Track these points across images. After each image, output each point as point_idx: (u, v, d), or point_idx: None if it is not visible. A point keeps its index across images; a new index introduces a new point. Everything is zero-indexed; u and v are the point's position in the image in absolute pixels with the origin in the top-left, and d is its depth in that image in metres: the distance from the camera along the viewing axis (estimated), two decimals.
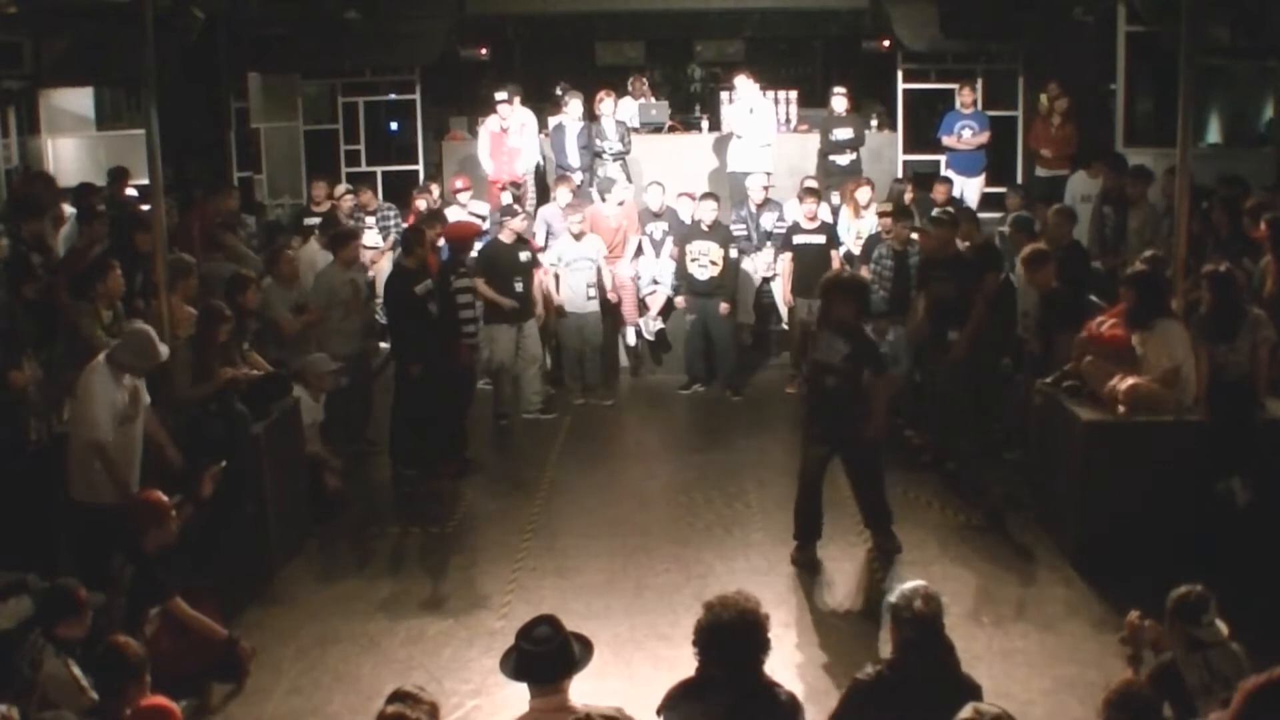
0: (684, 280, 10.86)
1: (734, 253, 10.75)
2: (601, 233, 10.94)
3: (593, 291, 10.58)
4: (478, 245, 10.00)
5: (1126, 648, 5.11)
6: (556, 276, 10.69)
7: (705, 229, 10.71)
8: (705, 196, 10.93)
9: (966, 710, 3.52)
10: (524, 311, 10.09)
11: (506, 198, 11.44)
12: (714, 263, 10.65)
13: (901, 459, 8.97)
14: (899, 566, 7.13)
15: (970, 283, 8.45)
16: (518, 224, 10.10)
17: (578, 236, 10.53)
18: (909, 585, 4.17)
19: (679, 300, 11.00)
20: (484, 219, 11.31)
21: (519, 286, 9.95)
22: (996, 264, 9.06)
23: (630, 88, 13.82)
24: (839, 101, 12.47)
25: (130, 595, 5.58)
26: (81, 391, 6.23)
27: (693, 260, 10.71)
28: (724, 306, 10.66)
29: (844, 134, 12.36)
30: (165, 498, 5.87)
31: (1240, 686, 3.27)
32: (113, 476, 6.17)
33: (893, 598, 4.15)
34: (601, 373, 10.93)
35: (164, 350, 6.41)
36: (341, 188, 12.34)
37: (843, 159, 12.35)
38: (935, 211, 11.43)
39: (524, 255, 10.06)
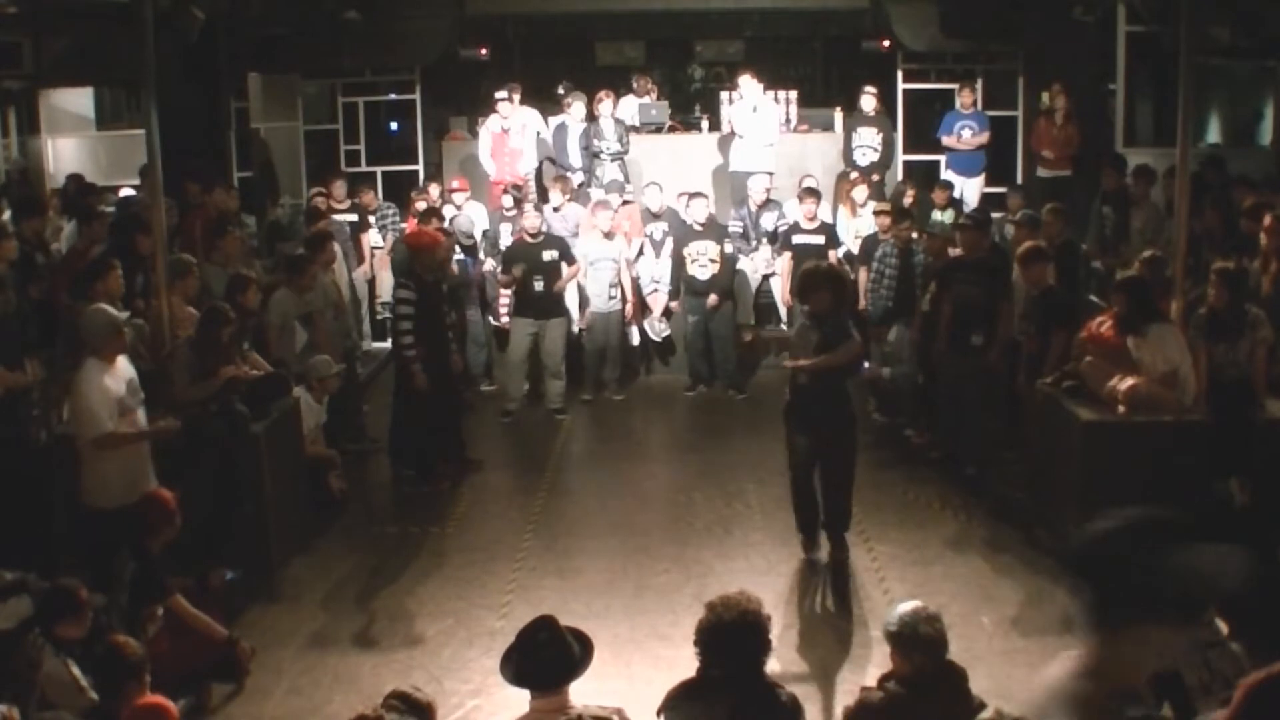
0: (683, 282, 10.84)
1: (729, 248, 10.76)
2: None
3: (615, 291, 10.61)
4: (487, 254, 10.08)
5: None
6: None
7: (699, 228, 10.71)
8: (694, 196, 10.92)
9: (988, 711, 3.50)
10: (547, 309, 10.10)
11: (508, 200, 11.43)
12: (713, 260, 10.65)
13: (902, 459, 8.99)
14: (900, 567, 7.14)
15: (996, 286, 8.47)
16: (530, 222, 10.09)
17: (607, 235, 10.52)
18: (906, 609, 4.07)
19: (673, 304, 10.99)
20: (449, 221, 11.16)
21: (539, 285, 9.95)
22: (1008, 267, 9.11)
23: (635, 85, 13.83)
24: (868, 101, 12.51)
25: (131, 593, 5.58)
26: (74, 391, 6.21)
27: (693, 261, 10.70)
28: (712, 299, 10.65)
29: (868, 134, 12.43)
30: (171, 496, 5.88)
31: (1240, 683, 3.26)
32: (108, 472, 6.14)
33: (893, 625, 4.05)
34: (617, 370, 10.93)
35: (120, 315, 6.34)
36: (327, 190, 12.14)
37: (864, 158, 12.39)
38: (936, 213, 11.48)
39: (548, 255, 10.04)
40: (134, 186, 11.58)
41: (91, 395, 6.06)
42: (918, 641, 3.98)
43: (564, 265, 10.16)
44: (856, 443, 7.33)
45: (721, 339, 10.83)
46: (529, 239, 10.07)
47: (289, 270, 8.94)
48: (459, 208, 11.65)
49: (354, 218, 11.74)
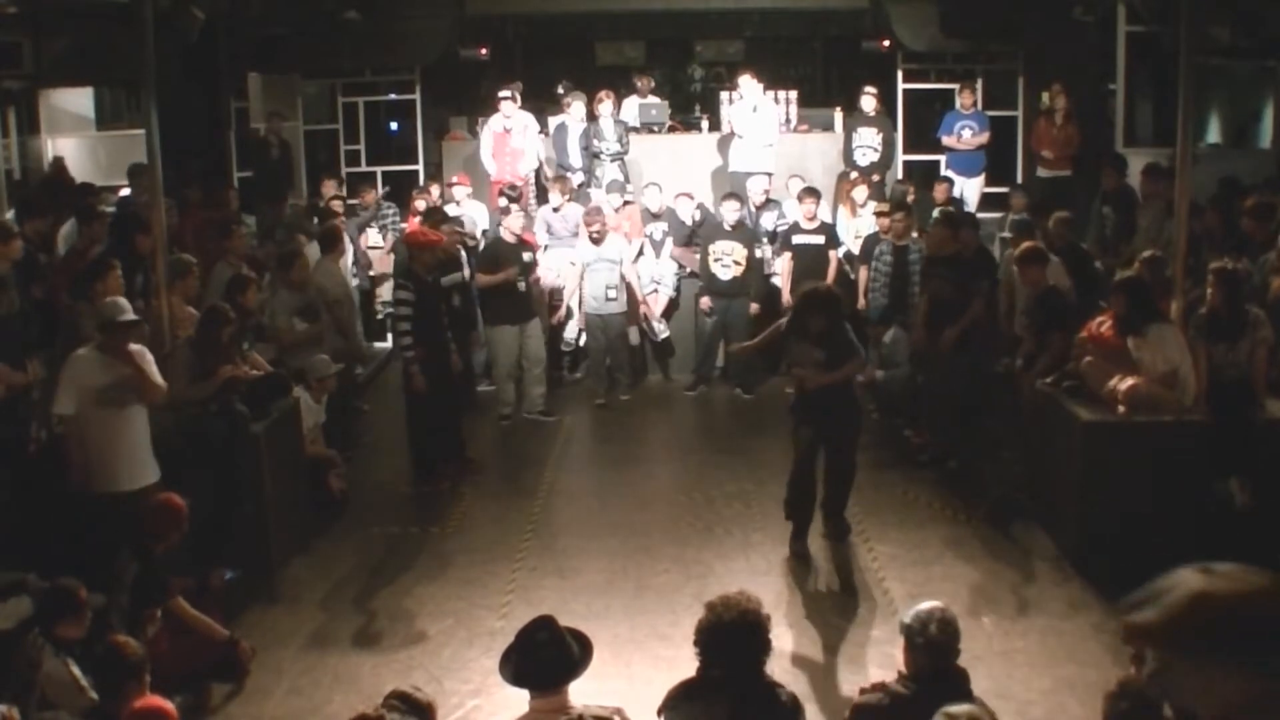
0: (705, 280, 10.82)
1: (758, 252, 10.75)
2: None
3: (614, 293, 10.58)
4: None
5: (1130, 647, 5.10)
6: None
7: (729, 228, 10.70)
8: (728, 196, 10.93)
9: (937, 717, 3.49)
10: (527, 311, 10.09)
11: (504, 202, 11.42)
12: (737, 263, 10.64)
13: (901, 459, 8.99)
14: (900, 567, 7.14)
15: (969, 282, 8.48)
16: (514, 222, 10.10)
17: (596, 240, 10.51)
18: (925, 607, 4.07)
19: (704, 301, 10.94)
20: (461, 220, 11.16)
21: (521, 286, 9.95)
22: (991, 269, 9.13)
23: (639, 86, 13.85)
24: (868, 101, 12.51)
25: (133, 594, 5.58)
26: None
27: (716, 260, 10.68)
28: (754, 308, 10.67)
29: (868, 134, 12.42)
30: (182, 501, 5.89)
31: None
32: (73, 456, 6.24)
33: (907, 618, 4.06)
34: (628, 371, 10.91)
35: (126, 308, 6.43)
36: (330, 190, 12.15)
37: (864, 158, 12.40)
38: (936, 211, 11.50)
39: (527, 255, 10.08)
40: (125, 187, 11.60)
41: (62, 377, 6.24)
42: (922, 641, 3.98)
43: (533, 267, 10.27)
44: (860, 434, 7.48)
45: (737, 340, 10.77)
46: (510, 239, 10.06)
47: (279, 267, 8.99)
48: (459, 203, 11.65)
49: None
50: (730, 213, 10.70)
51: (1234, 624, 2.10)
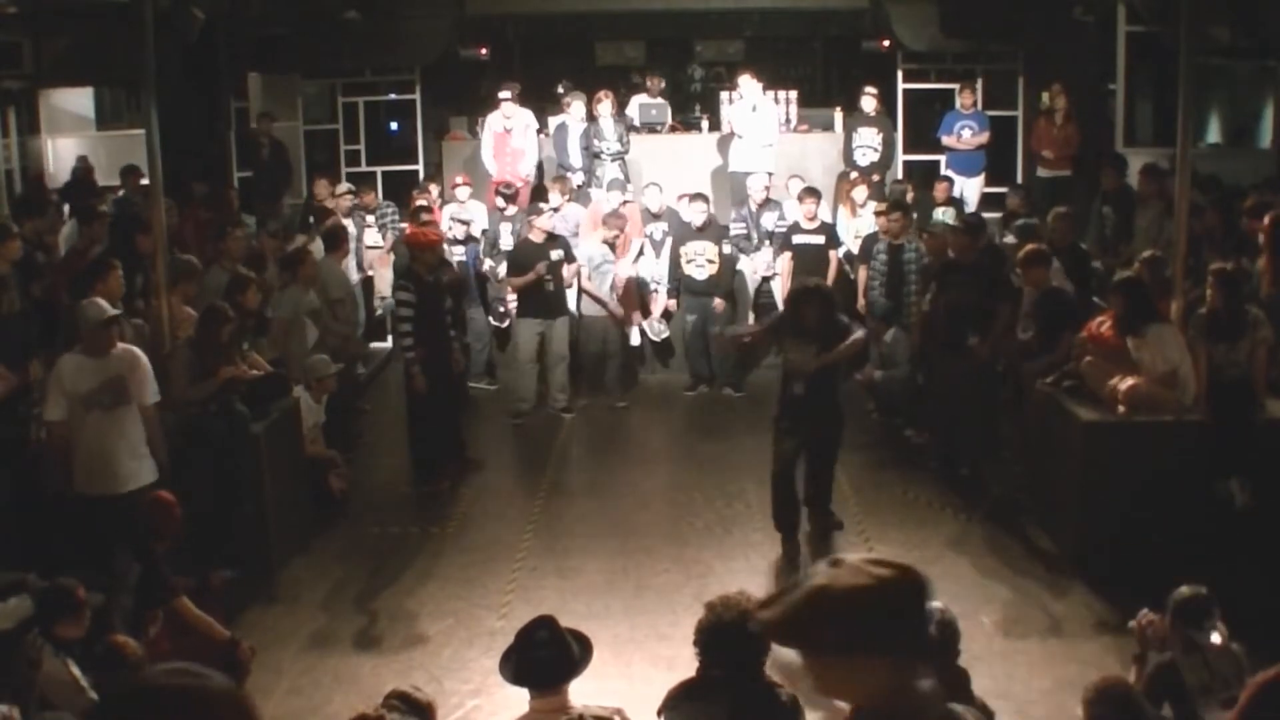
0: (681, 282, 10.87)
1: (727, 249, 10.78)
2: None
3: (613, 294, 10.60)
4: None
5: (1137, 646, 5.10)
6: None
7: (697, 229, 10.74)
8: (695, 198, 10.95)
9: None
10: (555, 308, 10.10)
11: (500, 202, 11.42)
12: (711, 261, 10.67)
13: (901, 459, 8.99)
14: None
15: (991, 287, 8.47)
16: (544, 222, 10.11)
17: (613, 246, 10.50)
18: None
19: (671, 303, 10.97)
20: (464, 223, 11.21)
21: (549, 286, 9.96)
22: (1003, 267, 9.10)
23: (649, 84, 13.86)
24: (868, 101, 12.52)
25: (137, 596, 5.58)
26: None
27: (689, 261, 10.73)
28: (718, 303, 10.69)
29: (869, 134, 12.42)
30: (174, 498, 5.89)
31: (1250, 681, 3.25)
32: (57, 461, 6.25)
33: None
34: (619, 375, 10.89)
35: (106, 306, 6.41)
36: (342, 186, 12.26)
37: (864, 158, 12.40)
38: (941, 213, 11.48)
39: (555, 254, 10.06)
40: (117, 188, 11.60)
41: (50, 383, 6.25)
42: None
43: (565, 263, 10.20)
44: (841, 439, 7.50)
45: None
46: (536, 240, 10.05)
47: (288, 266, 8.97)
48: (462, 203, 11.66)
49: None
50: (697, 214, 10.74)
51: (852, 616, 2.12)
